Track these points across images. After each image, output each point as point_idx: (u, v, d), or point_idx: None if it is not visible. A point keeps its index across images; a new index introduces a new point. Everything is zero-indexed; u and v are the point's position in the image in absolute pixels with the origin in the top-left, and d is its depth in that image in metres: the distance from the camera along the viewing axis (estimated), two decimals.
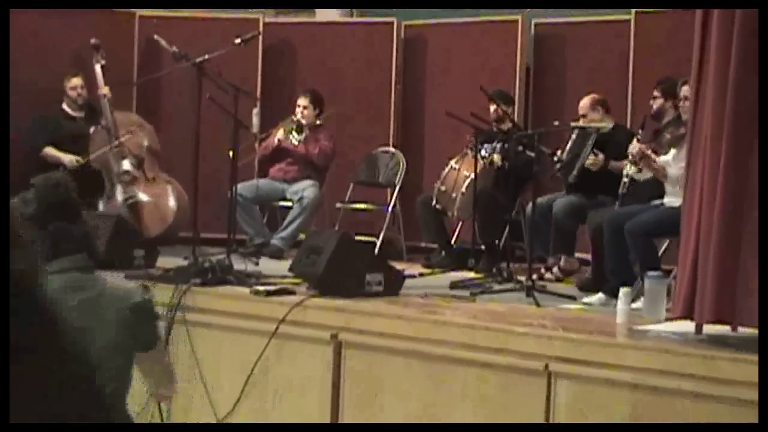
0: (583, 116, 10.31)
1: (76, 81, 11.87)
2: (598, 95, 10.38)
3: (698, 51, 7.19)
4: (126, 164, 11.69)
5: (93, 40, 11.91)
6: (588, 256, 9.83)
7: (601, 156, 9.91)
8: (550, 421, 7.39)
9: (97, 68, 11.86)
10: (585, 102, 10.35)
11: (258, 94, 12.49)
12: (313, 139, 11.63)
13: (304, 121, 11.61)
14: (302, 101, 11.67)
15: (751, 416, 6.65)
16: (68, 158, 11.58)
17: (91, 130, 11.73)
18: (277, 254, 10.98)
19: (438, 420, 7.84)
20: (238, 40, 11.52)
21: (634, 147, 9.30)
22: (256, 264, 10.49)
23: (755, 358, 6.76)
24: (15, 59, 12.10)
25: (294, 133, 11.57)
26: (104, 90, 11.82)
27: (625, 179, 9.46)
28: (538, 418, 7.41)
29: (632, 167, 9.38)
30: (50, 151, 11.63)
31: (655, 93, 9.76)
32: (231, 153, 10.16)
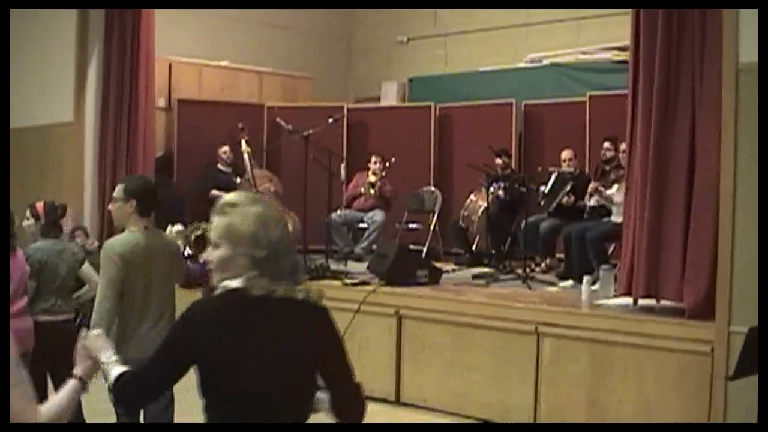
0: (564, 161, 10.27)
1: (225, 148, 11.91)
2: (572, 149, 10.37)
3: (630, 121, 7.19)
4: None
5: (240, 124, 11.98)
6: (563, 256, 9.79)
7: (572, 198, 9.90)
8: (539, 365, 7.38)
9: (243, 142, 11.93)
10: (565, 153, 10.31)
11: (344, 155, 12.52)
12: (383, 184, 11.63)
13: (374, 180, 11.64)
14: (375, 158, 11.69)
15: (665, 359, 6.66)
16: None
17: (238, 180, 11.79)
18: (359, 259, 10.98)
19: (464, 364, 7.84)
20: (331, 120, 11.59)
21: (592, 186, 9.33)
22: (345, 265, 10.56)
23: (672, 320, 6.76)
24: (191, 137, 12.24)
25: (371, 190, 11.61)
26: (247, 149, 11.88)
27: (588, 208, 9.53)
28: (531, 363, 7.40)
29: (591, 200, 9.47)
30: (215, 191, 11.70)
31: (606, 145, 9.73)
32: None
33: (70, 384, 3.07)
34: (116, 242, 5.29)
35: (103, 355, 3.17)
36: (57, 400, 2.97)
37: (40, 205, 6.57)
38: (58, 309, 6.26)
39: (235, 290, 3.00)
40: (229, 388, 2.95)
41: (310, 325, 3.07)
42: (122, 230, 5.41)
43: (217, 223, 3.02)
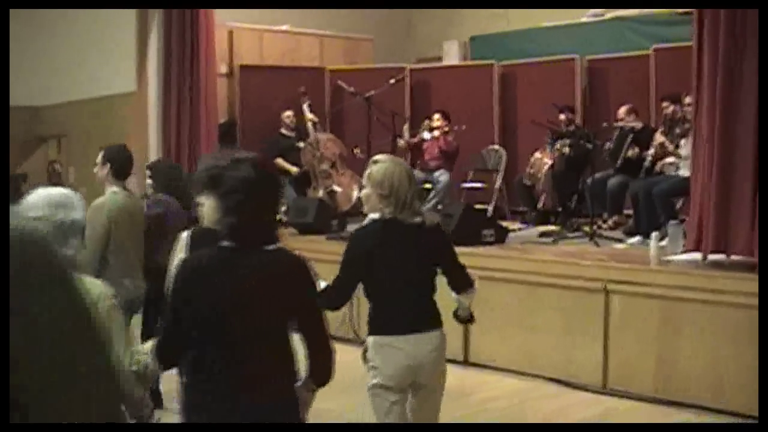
0: (621, 119, 10.17)
1: (288, 113, 11.95)
2: (630, 105, 10.23)
3: (696, 73, 7.09)
4: (325, 166, 11.80)
5: (301, 88, 12.01)
6: (630, 212, 9.71)
7: (636, 149, 9.79)
8: (608, 323, 7.34)
9: (305, 106, 11.96)
10: (622, 110, 10.19)
11: (407, 115, 12.51)
12: (443, 138, 11.51)
13: (435, 125, 11.54)
14: (436, 115, 11.61)
15: (736, 315, 6.59)
16: (293, 169, 11.67)
17: (301, 144, 11.83)
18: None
19: (532, 323, 7.84)
20: (392, 81, 11.57)
21: (657, 140, 9.23)
22: None
23: (743, 275, 6.68)
24: (253, 103, 12.30)
25: (426, 132, 11.54)
26: (310, 116, 11.92)
27: (649, 159, 9.40)
28: (600, 321, 7.37)
29: (652, 150, 9.37)
30: (280, 161, 11.74)
31: (664, 104, 9.61)
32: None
33: None
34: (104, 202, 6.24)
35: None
36: None
37: None
38: None
39: (376, 220, 4.53)
40: (380, 280, 4.49)
41: (428, 237, 4.55)
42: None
43: (365, 172, 4.50)
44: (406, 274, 4.50)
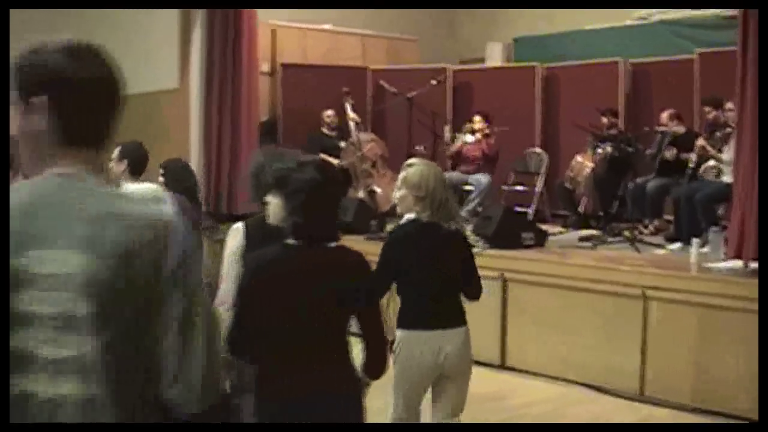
0: (663, 125, 10.08)
1: (330, 112, 11.94)
2: (673, 110, 10.12)
3: (740, 78, 7.02)
4: (366, 166, 11.79)
5: (345, 88, 12.01)
6: (671, 218, 9.63)
7: (674, 150, 9.70)
8: (646, 330, 7.28)
9: (348, 106, 11.95)
10: (664, 115, 10.09)
11: (449, 116, 12.47)
12: (485, 142, 11.49)
13: (476, 127, 11.50)
14: (477, 117, 11.57)
15: None
16: (335, 161, 11.65)
17: (342, 144, 11.83)
18: (464, 221, 10.92)
19: (570, 328, 7.79)
20: (434, 82, 11.58)
21: (698, 143, 9.14)
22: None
23: None
24: (295, 102, 12.31)
25: (468, 135, 11.51)
26: (352, 116, 11.91)
27: (691, 165, 9.29)
28: (638, 327, 7.31)
29: (694, 156, 9.25)
30: (323, 156, 11.74)
31: (706, 108, 9.52)
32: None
33: None
34: None
35: None
36: None
37: None
38: None
39: (413, 220, 4.79)
40: (412, 279, 4.76)
41: (456, 242, 4.87)
42: None
43: (400, 175, 4.83)
44: (437, 275, 4.77)
